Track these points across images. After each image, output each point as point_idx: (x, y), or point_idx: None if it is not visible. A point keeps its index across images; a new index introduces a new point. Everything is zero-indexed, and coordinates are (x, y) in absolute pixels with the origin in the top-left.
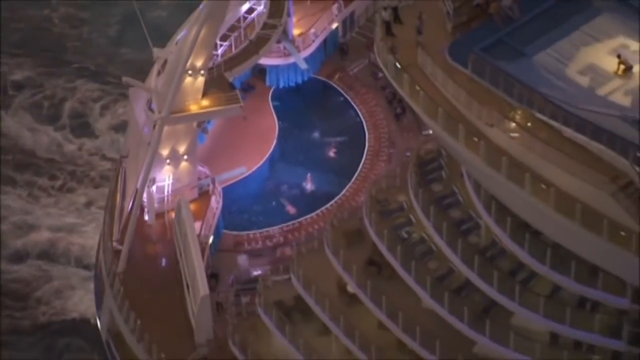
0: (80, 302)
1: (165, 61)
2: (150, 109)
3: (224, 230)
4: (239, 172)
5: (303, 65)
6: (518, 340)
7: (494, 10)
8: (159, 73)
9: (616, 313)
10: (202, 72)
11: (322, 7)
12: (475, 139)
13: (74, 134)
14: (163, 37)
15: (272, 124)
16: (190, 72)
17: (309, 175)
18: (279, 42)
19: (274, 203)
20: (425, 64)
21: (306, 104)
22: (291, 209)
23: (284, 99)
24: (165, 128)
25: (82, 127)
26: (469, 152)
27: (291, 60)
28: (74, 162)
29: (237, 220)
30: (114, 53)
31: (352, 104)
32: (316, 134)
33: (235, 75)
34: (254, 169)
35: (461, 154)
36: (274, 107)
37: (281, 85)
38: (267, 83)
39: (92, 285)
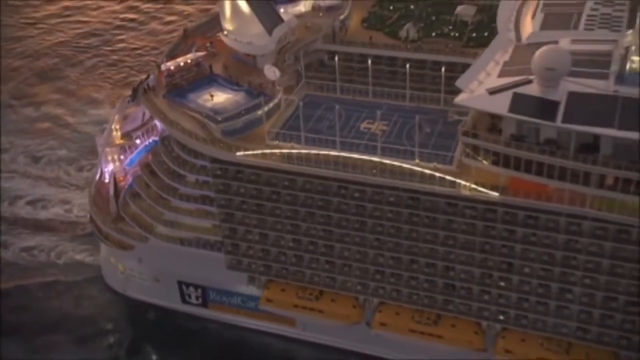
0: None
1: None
2: (102, 143)
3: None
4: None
5: None
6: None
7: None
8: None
9: None
10: (119, 131)
11: None
12: (173, 123)
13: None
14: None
15: None
16: (114, 131)
17: None
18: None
19: None
20: (156, 100)
21: None
22: None
23: None
24: (107, 149)
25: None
26: (172, 128)
27: None
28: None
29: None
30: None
31: None
32: None
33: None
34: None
35: (169, 130)
36: None
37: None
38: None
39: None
